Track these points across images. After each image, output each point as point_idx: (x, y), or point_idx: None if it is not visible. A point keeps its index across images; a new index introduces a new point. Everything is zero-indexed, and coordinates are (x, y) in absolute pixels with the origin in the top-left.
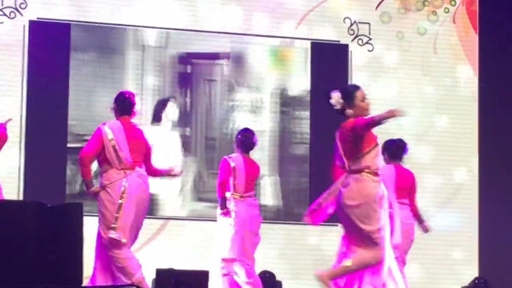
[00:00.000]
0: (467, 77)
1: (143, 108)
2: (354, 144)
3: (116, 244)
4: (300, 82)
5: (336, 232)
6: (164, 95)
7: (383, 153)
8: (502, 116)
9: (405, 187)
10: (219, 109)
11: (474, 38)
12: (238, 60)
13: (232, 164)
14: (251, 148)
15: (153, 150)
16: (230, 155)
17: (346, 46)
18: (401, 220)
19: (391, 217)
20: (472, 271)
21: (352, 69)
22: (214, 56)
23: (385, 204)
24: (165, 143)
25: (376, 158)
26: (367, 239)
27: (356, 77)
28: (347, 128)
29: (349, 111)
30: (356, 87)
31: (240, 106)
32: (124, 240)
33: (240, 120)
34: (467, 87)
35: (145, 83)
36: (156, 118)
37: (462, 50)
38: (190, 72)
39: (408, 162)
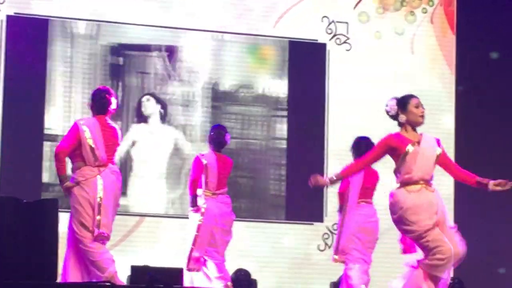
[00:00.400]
0: (444, 78)
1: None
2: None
3: (102, 239)
4: (232, 77)
5: (311, 231)
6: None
7: (352, 153)
8: (479, 117)
9: (372, 186)
10: None
11: (452, 38)
12: (172, 53)
13: (204, 162)
14: (223, 146)
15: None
16: (202, 153)
17: (324, 45)
18: (365, 219)
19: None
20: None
21: (329, 68)
22: (147, 48)
23: None
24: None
25: None
26: None
27: (333, 76)
28: None
29: (402, 117)
30: (412, 95)
31: (172, 99)
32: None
33: (171, 114)
34: (444, 88)
35: (74, 75)
36: (138, 115)
37: (440, 50)
38: (122, 64)
39: (383, 162)
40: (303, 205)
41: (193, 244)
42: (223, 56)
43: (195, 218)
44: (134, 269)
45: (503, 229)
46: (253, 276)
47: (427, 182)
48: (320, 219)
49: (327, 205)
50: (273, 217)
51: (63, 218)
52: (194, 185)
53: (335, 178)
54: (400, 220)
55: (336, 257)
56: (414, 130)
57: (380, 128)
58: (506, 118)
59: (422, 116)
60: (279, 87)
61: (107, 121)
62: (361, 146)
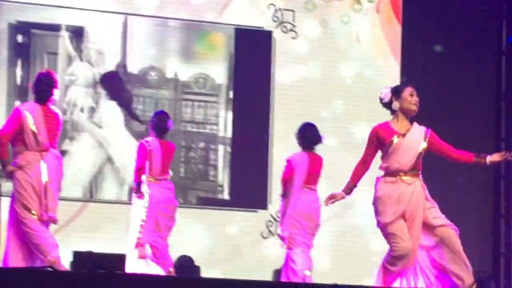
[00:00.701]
0: (389, 68)
1: None
2: None
3: (50, 222)
4: (140, 60)
5: (255, 218)
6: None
7: (296, 138)
8: (423, 108)
9: (316, 173)
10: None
11: (397, 28)
12: (79, 34)
13: (149, 148)
14: (166, 132)
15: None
16: (146, 139)
17: (270, 33)
18: (307, 204)
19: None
20: None
21: (275, 56)
22: (56, 28)
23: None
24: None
25: None
26: None
27: (279, 64)
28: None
29: (395, 104)
30: (406, 84)
31: (78, 81)
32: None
33: (76, 96)
34: (389, 78)
35: None
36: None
37: (385, 40)
38: (28, 43)
39: (325, 153)
40: (247, 192)
41: (140, 231)
42: (169, 42)
43: (139, 204)
44: (77, 254)
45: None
46: (197, 263)
47: (406, 173)
48: (264, 207)
49: (271, 192)
50: (217, 204)
51: (4, 203)
52: (140, 172)
53: (347, 188)
54: (373, 207)
55: (283, 243)
56: (407, 119)
57: (325, 114)
58: (448, 110)
59: (416, 105)
60: (190, 71)
61: (49, 107)
62: (308, 133)
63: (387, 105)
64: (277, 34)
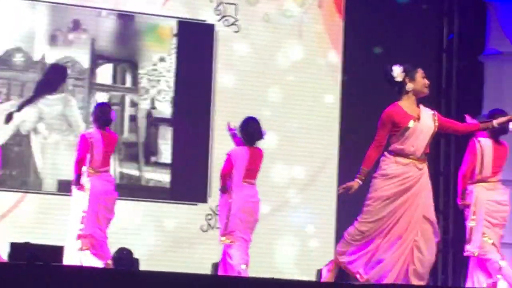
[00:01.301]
0: (331, 64)
1: None
2: None
3: None
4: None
5: (194, 212)
6: None
7: (239, 131)
8: (365, 106)
9: (255, 168)
10: None
11: (339, 23)
12: None
13: (90, 140)
14: (108, 124)
15: None
16: (88, 131)
17: (212, 26)
18: (246, 199)
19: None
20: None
21: (217, 49)
22: None
23: None
24: None
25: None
26: None
27: (221, 57)
28: None
29: (410, 85)
30: (417, 66)
31: None
32: None
33: None
34: (331, 74)
35: None
36: None
37: (327, 35)
38: None
39: (266, 151)
40: (187, 186)
41: (82, 222)
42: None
43: (79, 196)
44: (14, 246)
45: None
46: (136, 256)
47: (418, 158)
48: (204, 200)
49: (211, 185)
50: (157, 197)
51: None
52: (80, 164)
53: (362, 174)
54: (373, 182)
55: (224, 238)
56: (416, 101)
57: (266, 107)
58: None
59: (428, 88)
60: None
61: None
62: (249, 128)
63: (397, 84)
64: (219, 28)
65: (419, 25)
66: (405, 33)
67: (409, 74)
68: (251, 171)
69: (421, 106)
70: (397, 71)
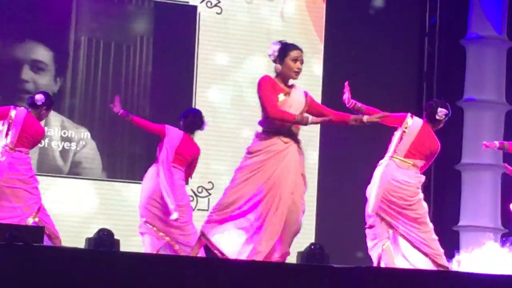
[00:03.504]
0: (313, 48)
1: None
2: None
3: None
4: None
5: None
6: None
7: (181, 120)
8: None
9: (186, 157)
10: None
11: (321, 6)
12: None
13: (11, 115)
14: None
15: None
16: (19, 107)
17: (194, 8)
18: (175, 182)
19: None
20: (309, 239)
21: (199, 31)
22: None
23: None
24: None
25: None
26: None
27: (203, 39)
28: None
29: (277, 66)
30: (295, 47)
31: None
32: None
33: None
34: (313, 57)
35: None
36: None
37: (309, 19)
38: None
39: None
40: None
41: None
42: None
43: None
44: None
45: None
46: (116, 236)
47: (285, 134)
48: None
49: None
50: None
51: None
52: None
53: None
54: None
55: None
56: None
57: (249, 92)
58: (370, 90)
59: (297, 73)
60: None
61: None
62: (189, 116)
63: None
64: (201, 9)
65: (402, 9)
66: (387, 16)
67: (280, 55)
68: (179, 156)
69: (296, 86)
70: (272, 48)
